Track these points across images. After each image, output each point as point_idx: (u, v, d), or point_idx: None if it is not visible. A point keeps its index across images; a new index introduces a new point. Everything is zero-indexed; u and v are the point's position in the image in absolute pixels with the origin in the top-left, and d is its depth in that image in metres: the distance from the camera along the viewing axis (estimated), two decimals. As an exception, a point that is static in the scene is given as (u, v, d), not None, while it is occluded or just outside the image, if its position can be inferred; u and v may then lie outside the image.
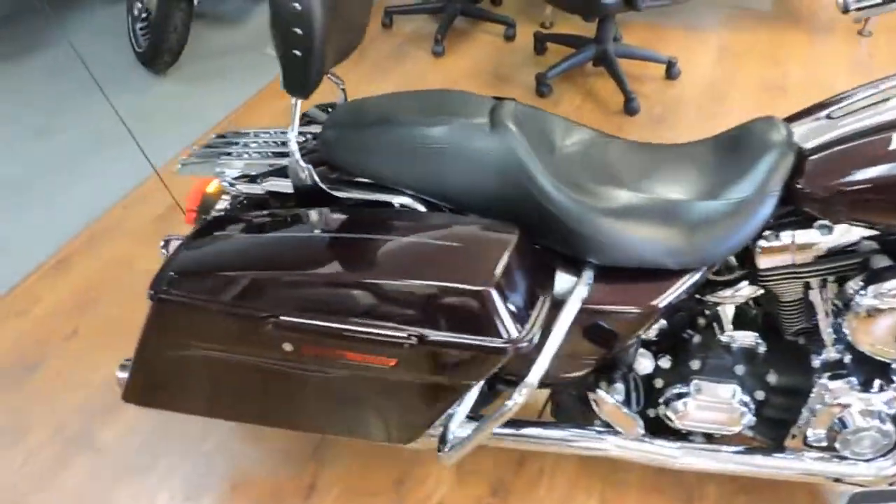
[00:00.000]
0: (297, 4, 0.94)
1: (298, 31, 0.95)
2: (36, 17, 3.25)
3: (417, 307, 0.96)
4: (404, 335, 0.96)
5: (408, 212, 1.10)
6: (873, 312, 1.06)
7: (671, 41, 3.08)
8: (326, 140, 1.14)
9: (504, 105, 1.16)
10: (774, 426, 1.29)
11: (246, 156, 1.20)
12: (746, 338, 1.26)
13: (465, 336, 0.95)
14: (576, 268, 1.11)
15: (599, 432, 1.28)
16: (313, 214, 1.07)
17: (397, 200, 1.12)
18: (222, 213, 1.18)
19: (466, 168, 1.09)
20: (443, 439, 1.17)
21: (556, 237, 1.09)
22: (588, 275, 1.10)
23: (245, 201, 1.21)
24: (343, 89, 1.31)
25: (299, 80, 1.01)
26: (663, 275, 1.11)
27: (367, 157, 1.11)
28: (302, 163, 1.09)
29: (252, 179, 1.18)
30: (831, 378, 1.19)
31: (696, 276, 1.12)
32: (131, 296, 1.92)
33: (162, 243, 1.26)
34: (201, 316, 1.00)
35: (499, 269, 0.96)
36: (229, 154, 1.22)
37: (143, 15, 2.82)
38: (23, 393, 1.69)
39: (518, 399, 1.03)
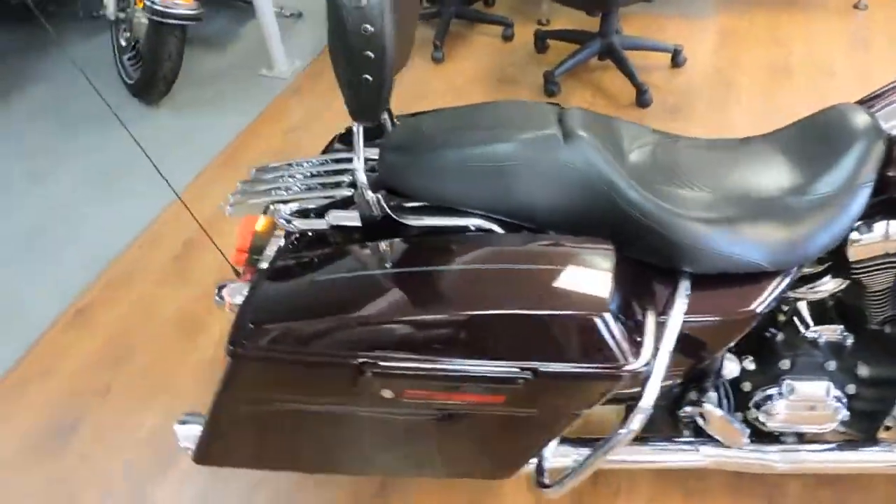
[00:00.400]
0: (368, 26, 0.87)
1: (370, 54, 0.88)
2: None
3: (528, 339, 0.90)
4: (517, 371, 0.89)
5: (489, 236, 1.03)
6: None
7: (670, 29, 3.04)
8: (389, 165, 1.07)
9: (570, 113, 1.10)
10: (867, 419, 1.25)
11: (296, 189, 1.13)
12: (832, 332, 1.21)
13: (582, 365, 0.89)
14: (669, 278, 1.06)
15: (692, 443, 1.24)
16: (393, 248, 0.99)
17: (472, 223, 1.05)
18: (287, 253, 1.10)
19: (542, 183, 1.02)
20: (539, 470, 1.11)
21: (647, 248, 1.03)
22: (685, 285, 1.04)
23: (301, 238, 1.14)
24: (389, 110, 1.24)
25: (370, 104, 0.94)
26: (758, 277, 1.06)
27: (434, 181, 1.04)
28: (370, 193, 1.02)
29: (308, 214, 1.10)
30: None
31: (791, 276, 1.08)
32: (161, 343, 1.83)
33: (216, 291, 1.18)
34: (289, 369, 0.92)
35: (608, 291, 0.90)
36: (278, 188, 1.14)
37: (132, 45, 2.71)
38: (63, 461, 1.59)
39: (634, 426, 0.97)
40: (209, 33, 3.22)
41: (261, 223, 1.21)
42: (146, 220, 2.21)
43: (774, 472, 1.23)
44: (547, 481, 1.10)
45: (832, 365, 1.21)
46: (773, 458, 1.22)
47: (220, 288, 1.19)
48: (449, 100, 2.69)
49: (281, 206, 1.10)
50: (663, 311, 1.02)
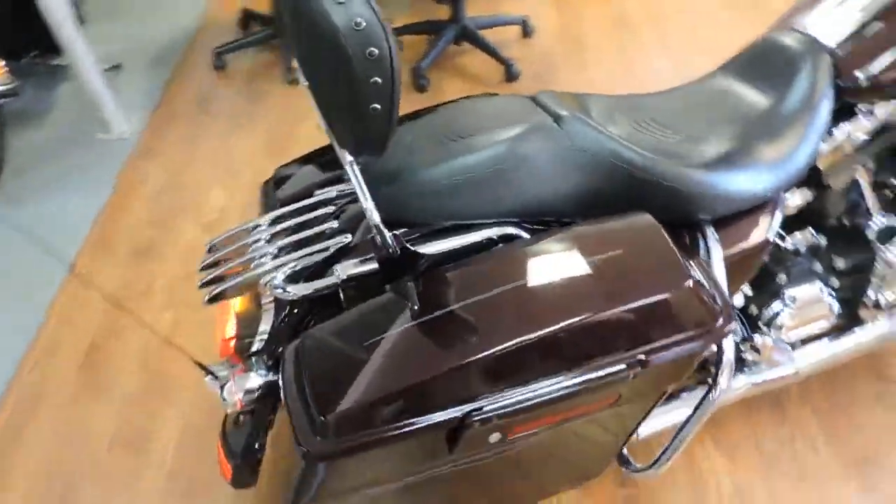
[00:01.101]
0: (374, 50, 0.76)
1: (378, 79, 0.77)
2: None
3: (627, 332, 0.85)
4: (625, 367, 0.85)
5: (526, 243, 0.95)
6: None
7: (506, 3, 3.11)
8: (386, 197, 0.96)
9: (544, 96, 1.07)
10: (849, 305, 1.37)
11: (271, 253, 0.98)
12: (807, 237, 1.30)
13: (683, 338, 0.87)
14: (693, 231, 1.06)
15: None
16: (436, 282, 0.89)
17: (490, 234, 0.98)
18: (292, 326, 0.96)
19: (549, 173, 0.98)
20: (621, 456, 1.08)
21: (664, 207, 1.02)
22: (711, 231, 1.05)
23: (301, 304, 1.00)
24: None
25: (380, 135, 0.83)
26: (760, 207, 1.10)
27: (438, 201, 0.96)
28: (387, 231, 0.91)
29: (298, 278, 0.97)
30: (885, 240, 1.27)
31: (784, 199, 1.13)
32: (107, 468, 1.56)
33: (218, 391, 1.00)
34: (380, 451, 0.80)
35: (679, 259, 0.88)
36: (254, 259, 0.99)
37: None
38: None
39: (724, 383, 0.96)
40: (23, 106, 2.78)
41: (238, 304, 1.05)
42: (29, 336, 1.88)
43: (797, 381, 1.31)
44: (639, 465, 1.08)
45: (817, 266, 1.30)
46: (796, 366, 1.30)
47: (222, 387, 1.01)
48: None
49: (267, 279, 0.96)
50: (706, 259, 1.03)
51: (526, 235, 0.99)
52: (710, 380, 1.02)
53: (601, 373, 0.85)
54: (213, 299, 0.95)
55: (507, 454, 0.92)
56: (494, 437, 0.83)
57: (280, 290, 0.95)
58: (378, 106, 0.79)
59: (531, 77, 2.65)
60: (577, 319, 0.83)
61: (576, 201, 1.00)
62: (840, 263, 1.31)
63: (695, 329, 0.87)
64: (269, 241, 1.03)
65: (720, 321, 0.88)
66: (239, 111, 2.65)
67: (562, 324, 0.82)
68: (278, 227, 1.05)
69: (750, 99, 1.14)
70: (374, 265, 0.94)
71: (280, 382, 0.90)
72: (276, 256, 0.99)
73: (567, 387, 0.83)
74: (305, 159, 1.27)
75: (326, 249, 0.97)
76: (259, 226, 1.08)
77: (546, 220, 1.01)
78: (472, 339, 0.81)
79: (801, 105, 1.09)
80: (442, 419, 0.80)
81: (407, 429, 0.79)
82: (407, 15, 3.06)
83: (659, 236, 0.91)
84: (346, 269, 0.93)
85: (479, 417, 0.80)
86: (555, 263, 0.88)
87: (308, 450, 0.78)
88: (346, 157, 0.89)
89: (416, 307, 0.85)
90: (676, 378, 0.94)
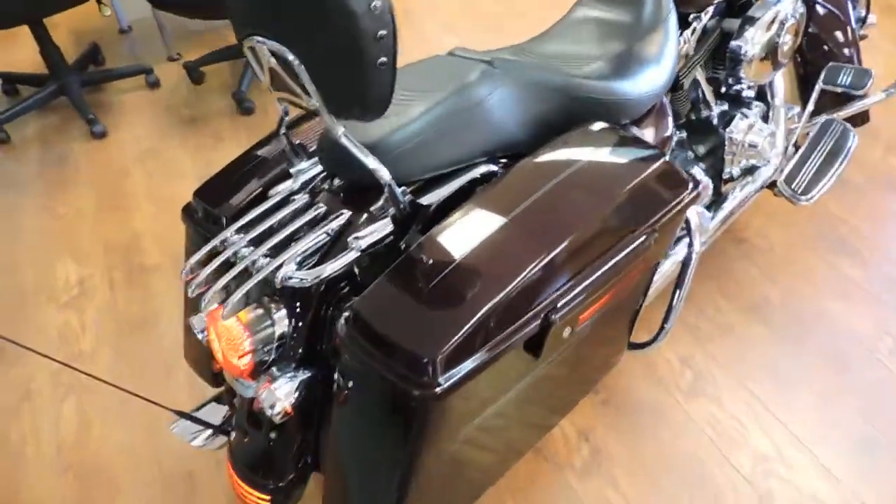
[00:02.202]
0: (375, 3, 0.77)
1: (383, 32, 0.78)
2: None
3: (640, 207, 0.98)
4: (645, 237, 0.98)
5: (521, 164, 1.03)
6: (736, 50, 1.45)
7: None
8: (390, 161, 0.97)
9: (460, 51, 1.16)
10: (715, 184, 1.65)
11: (263, 255, 0.95)
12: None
13: (676, 196, 1.02)
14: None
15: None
16: (482, 202, 0.95)
17: (476, 174, 1.06)
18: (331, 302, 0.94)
19: (503, 110, 1.07)
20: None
21: (593, 118, 1.16)
22: (637, 130, 1.26)
23: (308, 298, 0.97)
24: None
25: (385, 90, 0.83)
26: (657, 108, 1.30)
27: (416, 159, 0.99)
28: (398, 191, 0.93)
29: (302, 264, 0.94)
30: (727, 124, 1.56)
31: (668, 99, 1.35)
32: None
33: (266, 403, 0.93)
34: (486, 374, 0.81)
35: (648, 143, 1.06)
36: (256, 262, 0.95)
37: None
38: None
39: (697, 240, 1.16)
40: None
41: (245, 314, 0.97)
42: None
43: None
44: (645, 339, 1.22)
45: (689, 156, 1.55)
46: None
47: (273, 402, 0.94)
48: (158, 175, 2.36)
49: (281, 273, 0.92)
50: None
51: (500, 170, 1.07)
52: (687, 240, 1.24)
53: (632, 246, 0.96)
54: (230, 314, 0.89)
55: (566, 356, 0.99)
56: (566, 331, 0.90)
57: (298, 280, 0.91)
58: (385, 59, 0.81)
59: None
60: (604, 207, 0.94)
61: (525, 131, 1.10)
62: (700, 150, 1.58)
63: (681, 193, 1.02)
64: (253, 247, 0.99)
65: (692, 186, 1.04)
66: (48, 178, 2.34)
67: (594, 215, 0.92)
68: (253, 234, 1.00)
69: (615, 20, 1.34)
70: (384, 230, 0.95)
71: (338, 368, 0.89)
72: (271, 256, 0.95)
73: (611, 266, 0.94)
74: (224, 176, 1.21)
75: (331, 231, 0.95)
76: (225, 240, 1.02)
77: (507, 156, 1.10)
78: (527, 249, 0.87)
79: (656, 17, 1.31)
80: (531, 326, 0.85)
81: (503, 344, 0.82)
82: (198, 47, 2.93)
83: (622, 133, 1.05)
84: (362, 239, 0.93)
85: (557, 313, 0.86)
86: (558, 173, 0.97)
87: (423, 393, 0.77)
88: (339, 130, 0.89)
89: (458, 241, 0.89)
90: (670, 242, 1.09)
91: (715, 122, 1.58)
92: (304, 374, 0.96)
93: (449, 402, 0.79)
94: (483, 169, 1.06)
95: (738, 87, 1.61)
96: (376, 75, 0.82)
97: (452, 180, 1.03)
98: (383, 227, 0.95)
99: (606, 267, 0.93)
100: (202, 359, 1.23)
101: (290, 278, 0.91)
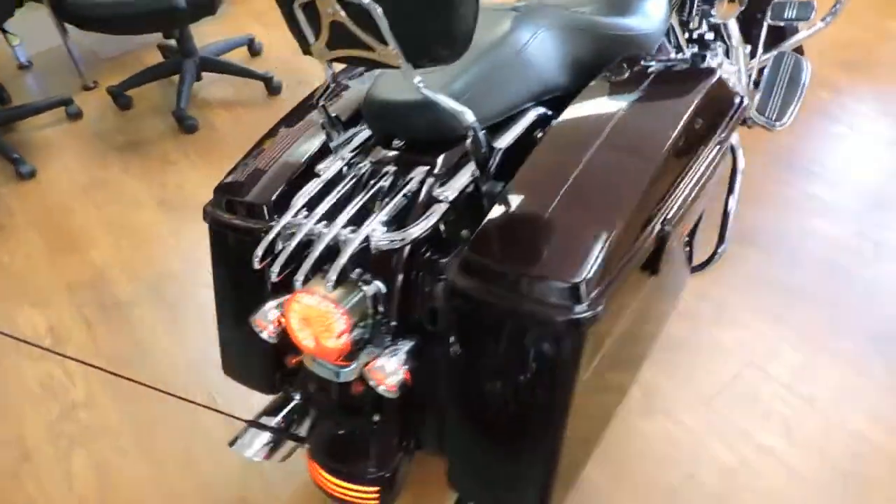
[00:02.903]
0: None
1: None
2: None
3: (705, 126, 0.99)
4: (718, 145, 1.01)
5: (590, 93, 1.04)
6: None
7: (213, 31, 2.99)
8: (430, 119, 0.93)
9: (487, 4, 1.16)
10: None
11: (341, 226, 0.90)
12: None
13: (732, 112, 1.06)
14: None
15: None
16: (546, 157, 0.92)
17: (535, 115, 1.05)
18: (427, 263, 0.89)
19: (544, 55, 1.06)
20: None
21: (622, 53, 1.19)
22: None
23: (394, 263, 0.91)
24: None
25: (468, 29, 0.79)
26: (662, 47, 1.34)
27: (482, 106, 0.97)
28: (482, 133, 0.90)
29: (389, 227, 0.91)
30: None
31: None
32: None
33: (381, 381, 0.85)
34: (625, 287, 0.80)
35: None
36: (338, 236, 0.89)
37: None
38: None
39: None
40: None
41: (330, 292, 0.89)
42: None
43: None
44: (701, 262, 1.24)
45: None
46: None
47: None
48: (108, 206, 2.17)
49: (373, 240, 0.87)
50: None
51: (551, 113, 1.06)
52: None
53: (711, 158, 0.98)
54: (338, 283, 0.83)
55: (659, 279, 0.99)
56: (675, 241, 0.90)
57: (392, 243, 0.86)
58: None
59: (294, 85, 2.61)
60: (682, 122, 0.94)
61: (564, 73, 1.10)
62: None
63: (735, 106, 1.06)
64: (325, 224, 0.92)
65: (740, 99, 1.07)
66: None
67: (675, 131, 0.92)
68: (322, 209, 0.94)
69: None
70: (468, 177, 0.92)
71: (456, 326, 0.84)
72: (352, 225, 0.90)
73: (699, 178, 0.95)
74: (246, 167, 1.14)
75: (409, 192, 0.91)
76: (295, 222, 0.95)
77: (550, 100, 1.10)
78: (630, 168, 0.86)
79: None
80: (649, 238, 0.84)
81: (633, 260, 0.81)
82: (113, 75, 2.74)
83: (666, 60, 1.07)
84: (448, 190, 0.90)
85: (671, 223, 0.87)
86: (627, 99, 0.98)
87: (580, 318, 0.74)
88: (416, 78, 0.85)
89: (557, 170, 0.87)
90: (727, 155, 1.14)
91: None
92: (406, 345, 0.90)
93: (595, 327, 0.77)
94: (535, 113, 1.04)
95: (701, 30, 1.69)
96: (463, 7, 0.79)
97: (511, 127, 1.01)
98: (467, 174, 0.91)
99: (696, 179, 0.94)
100: (255, 364, 1.14)
101: (385, 242, 0.86)
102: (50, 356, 1.67)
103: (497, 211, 0.85)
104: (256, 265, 0.91)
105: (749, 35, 1.98)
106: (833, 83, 2.30)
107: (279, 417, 1.19)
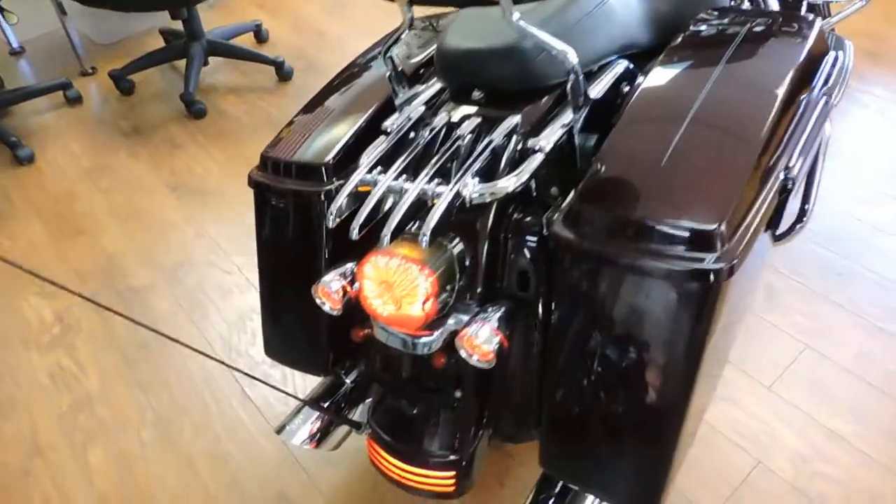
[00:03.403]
0: None
1: None
2: None
3: (810, 72, 0.93)
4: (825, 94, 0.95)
5: (679, 45, 0.96)
6: None
7: (216, 18, 2.89)
8: (516, 68, 0.85)
9: None
10: None
11: (427, 180, 0.81)
12: None
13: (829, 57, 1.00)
14: None
15: None
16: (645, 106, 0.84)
17: (622, 66, 0.97)
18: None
19: (625, 9, 1.00)
20: None
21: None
22: None
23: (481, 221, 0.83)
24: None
25: None
26: None
27: (580, 52, 0.89)
28: (582, 76, 0.83)
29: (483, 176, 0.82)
30: None
31: None
32: None
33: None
34: (753, 241, 0.72)
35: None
36: (426, 192, 0.80)
37: None
38: None
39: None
40: None
41: (416, 252, 0.79)
42: None
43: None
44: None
45: None
46: None
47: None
48: (115, 192, 2.05)
49: (466, 192, 0.78)
50: None
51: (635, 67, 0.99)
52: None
53: (822, 105, 0.91)
54: (435, 235, 0.73)
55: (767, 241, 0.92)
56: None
57: (484, 195, 0.78)
58: None
59: (304, 70, 2.52)
60: (792, 69, 0.87)
61: (643, 26, 1.03)
62: None
63: (828, 52, 0.99)
64: (407, 177, 0.83)
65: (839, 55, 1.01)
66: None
67: (785, 79, 0.85)
68: (399, 165, 0.85)
69: None
70: (563, 125, 0.84)
71: (562, 286, 0.75)
72: (437, 178, 0.81)
73: (812, 128, 0.87)
74: (298, 129, 1.05)
75: (497, 143, 0.83)
76: (369, 178, 0.86)
77: (634, 55, 1.02)
78: (745, 116, 0.79)
79: None
80: (774, 186, 0.77)
81: (760, 211, 0.73)
82: (112, 61, 2.62)
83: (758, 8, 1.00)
84: (545, 140, 0.81)
85: (793, 173, 0.79)
86: (726, 49, 0.91)
87: (713, 269, 0.66)
88: (515, 15, 0.77)
89: (664, 114, 0.79)
90: None
91: None
92: (496, 310, 0.82)
93: (726, 285, 0.69)
94: (623, 66, 0.97)
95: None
96: None
97: (600, 77, 0.94)
98: (560, 125, 0.83)
99: (807, 135, 0.87)
100: (307, 343, 1.04)
101: (480, 195, 0.78)
102: (58, 346, 1.56)
103: (606, 157, 0.77)
104: (331, 223, 0.82)
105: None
106: (858, 72, 2.27)
107: (330, 403, 1.10)
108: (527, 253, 0.84)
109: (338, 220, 0.82)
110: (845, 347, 1.42)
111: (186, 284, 1.69)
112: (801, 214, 1.22)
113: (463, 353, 0.79)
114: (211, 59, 2.53)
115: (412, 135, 0.92)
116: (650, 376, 0.72)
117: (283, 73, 2.47)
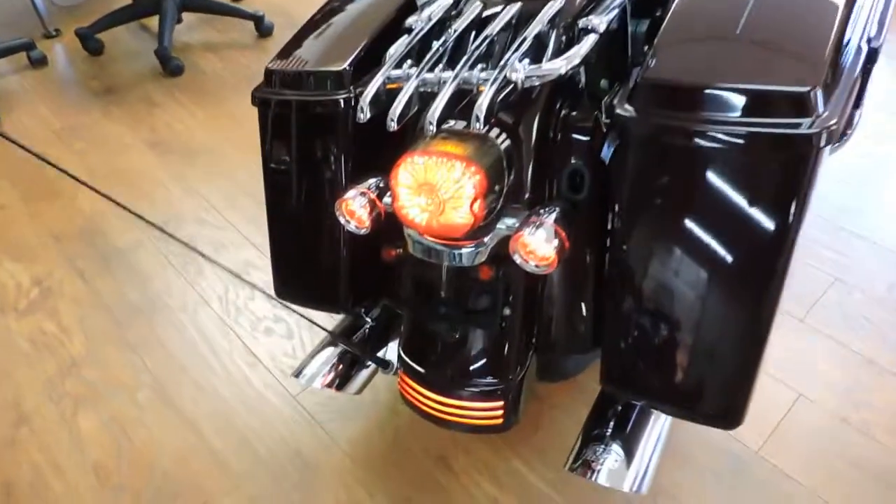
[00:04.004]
0: None
1: None
2: None
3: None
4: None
5: None
6: None
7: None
8: None
9: None
10: None
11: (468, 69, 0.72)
12: None
13: None
14: None
15: None
16: None
17: None
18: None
19: None
20: None
21: None
22: None
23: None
24: None
25: None
26: None
27: None
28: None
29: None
30: None
31: None
32: None
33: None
34: (845, 110, 0.63)
35: None
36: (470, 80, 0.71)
37: None
38: None
39: None
40: None
41: (461, 148, 0.69)
42: None
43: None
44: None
45: None
46: None
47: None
48: (92, 153, 1.91)
49: (517, 75, 0.69)
50: None
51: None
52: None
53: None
54: (487, 118, 0.64)
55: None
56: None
57: (536, 78, 0.69)
58: None
59: (284, 27, 2.38)
60: None
61: None
62: None
63: None
64: (444, 68, 0.74)
65: None
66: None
67: None
68: (436, 53, 0.75)
69: None
70: (613, 13, 0.75)
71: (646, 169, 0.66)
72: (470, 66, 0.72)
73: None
74: (309, 36, 0.95)
75: (543, 25, 0.73)
76: (398, 73, 0.76)
77: None
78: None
79: None
80: (861, 56, 0.69)
81: (849, 78, 0.65)
82: (69, 21, 2.46)
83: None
84: (599, 20, 0.73)
85: (878, 42, 0.71)
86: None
87: (818, 131, 0.58)
88: None
89: None
90: None
91: None
92: (551, 211, 0.73)
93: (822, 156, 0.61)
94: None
95: None
96: None
97: None
98: (614, 5, 0.75)
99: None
100: (324, 276, 0.94)
101: (533, 76, 0.69)
102: (38, 310, 1.43)
103: (674, 28, 0.69)
104: (362, 117, 0.72)
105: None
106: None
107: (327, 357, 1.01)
108: (579, 151, 0.76)
109: (368, 115, 0.73)
110: (876, 279, 1.37)
111: (176, 242, 1.57)
112: (850, 119, 1.15)
113: (518, 260, 0.70)
114: (185, 15, 2.39)
115: (442, 28, 0.83)
116: (739, 263, 0.64)
117: (263, 29, 2.34)
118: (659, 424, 0.83)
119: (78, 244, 1.60)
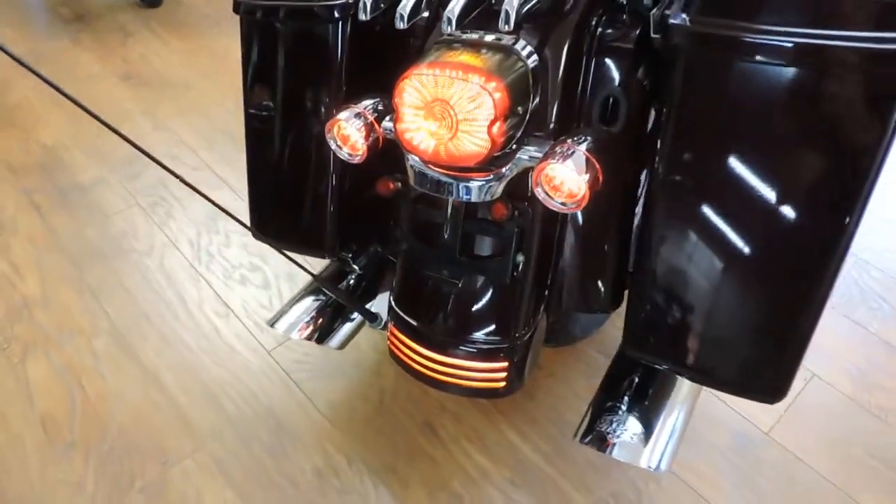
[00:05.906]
0: None
1: None
2: None
3: None
4: None
5: None
6: None
7: None
8: None
9: None
10: None
11: None
12: None
13: None
14: None
15: None
16: None
17: None
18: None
19: None
20: None
21: None
22: None
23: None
24: None
25: None
26: None
27: None
28: None
29: None
30: None
31: None
32: None
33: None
34: None
35: None
36: None
37: None
38: None
39: None
40: None
41: (479, 60, 0.58)
42: None
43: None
44: None
45: None
46: None
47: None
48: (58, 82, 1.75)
49: None
50: None
51: None
52: None
53: None
54: (518, 15, 0.53)
55: None
56: None
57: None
58: None
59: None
60: None
61: None
62: None
63: None
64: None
65: None
66: None
67: None
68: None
69: None
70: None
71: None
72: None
73: None
74: None
75: None
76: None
77: None
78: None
79: None
80: None
81: None
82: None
83: None
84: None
85: None
86: None
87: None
88: None
89: None
90: None
91: None
92: (580, 141, 0.62)
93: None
94: None
95: None
96: None
97: None
98: None
99: None
100: (310, 214, 0.83)
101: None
102: (-11, 248, 1.30)
103: None
104: (366, 15, 0.60)
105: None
106: None
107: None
108: (616, 74, 0.65)
109: (372, 14, 0.61)
110: (894, 259, 1.30)
111: (144, 181, 1.44)
112: None
113: (540, 195, 0.60)
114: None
115: None
116: (809, 212, 0.54)
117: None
118: (682, 395, 0.74)
119: (36, 177, 1.46)
